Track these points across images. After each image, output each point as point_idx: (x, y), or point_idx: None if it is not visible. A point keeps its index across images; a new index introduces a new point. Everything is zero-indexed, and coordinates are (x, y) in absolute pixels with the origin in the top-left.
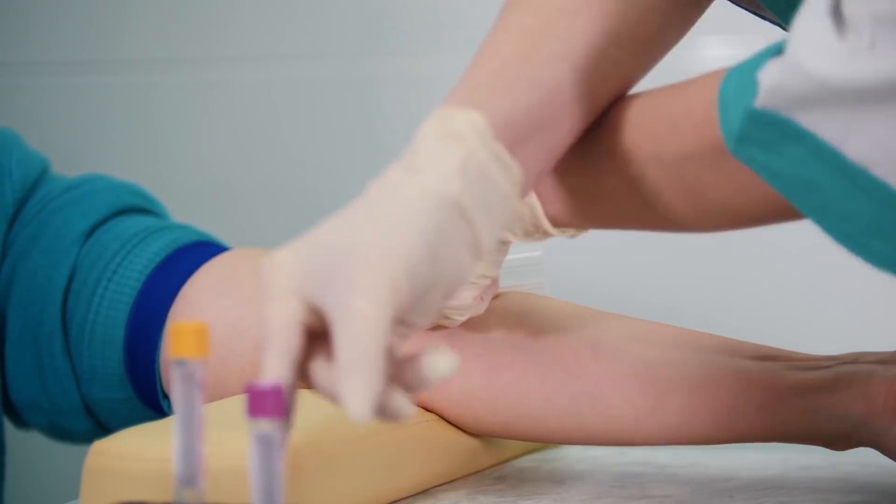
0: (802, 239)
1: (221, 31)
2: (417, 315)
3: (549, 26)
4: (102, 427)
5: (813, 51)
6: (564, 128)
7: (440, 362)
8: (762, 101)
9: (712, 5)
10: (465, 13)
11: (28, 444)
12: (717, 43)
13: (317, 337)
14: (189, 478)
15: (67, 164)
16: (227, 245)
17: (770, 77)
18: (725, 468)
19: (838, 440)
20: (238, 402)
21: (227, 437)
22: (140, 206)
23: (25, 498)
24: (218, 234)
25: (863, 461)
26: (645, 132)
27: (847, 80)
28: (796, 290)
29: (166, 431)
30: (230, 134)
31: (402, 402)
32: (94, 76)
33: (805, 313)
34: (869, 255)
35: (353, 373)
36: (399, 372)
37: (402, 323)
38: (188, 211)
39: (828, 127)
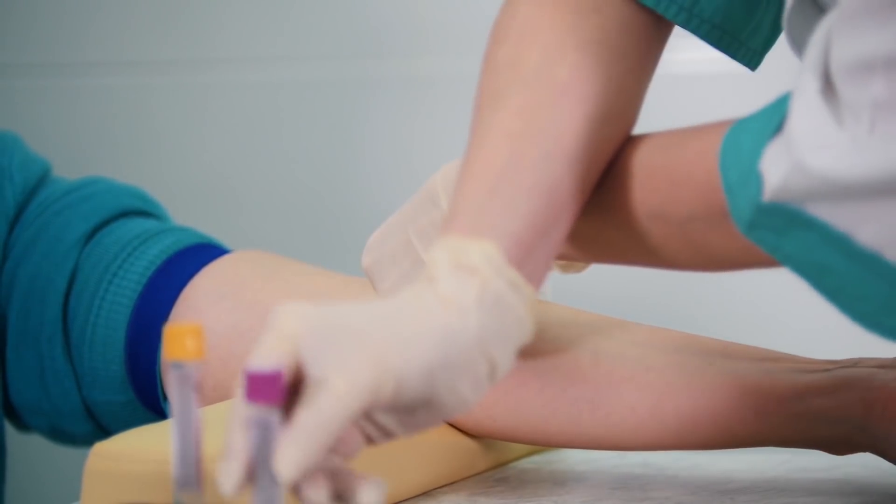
0: None
1: (217, 33)
2: (393, 423)
3: (533, 126)
4: (103, 429)
5: (814, 146)
6: (566, 221)
7: (371, 493)
8: (769, 197)
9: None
10: (456, 15)
11: (29, 447)
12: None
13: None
14: (187, 480)
15: (68, 166)
16: (228, 247)
17: (774, 177)
18: (726, 470)
19: (839, 444)
20: None
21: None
22: (141, 209)
23: (27, 500)
24: (216, 235)
25: (864, 463)
26: (648, 189)
27: (852, 177)
28: (797, 294)
29: (166, 433)
30: (227, 135)
31: (317, 493)
32: (94, 78)
33: (806, 317)
34: (884, 332)
35: (300, 436)
36: (334, 472)
37: (371, 422)
38: (188, 213)
39: (838, 216)
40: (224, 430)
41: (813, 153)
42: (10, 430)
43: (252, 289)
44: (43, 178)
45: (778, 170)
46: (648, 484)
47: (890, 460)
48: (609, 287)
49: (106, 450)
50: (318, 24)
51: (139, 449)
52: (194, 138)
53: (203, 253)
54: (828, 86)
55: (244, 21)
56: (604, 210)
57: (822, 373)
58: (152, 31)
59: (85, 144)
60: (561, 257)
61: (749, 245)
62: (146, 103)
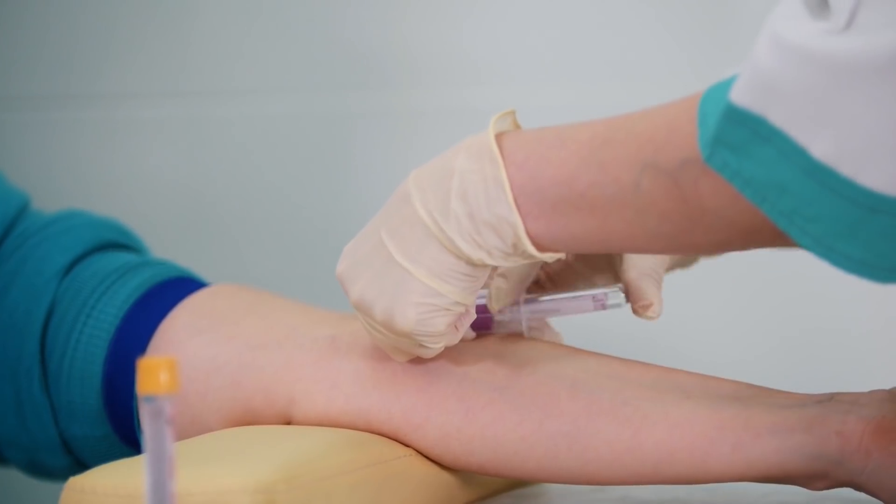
0: (783, 273)
1: (200, 65)
2: None
3: None
4: (81, 463)
5: (789, 26)
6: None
7: None
8: (737, 89)
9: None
10: (443, 48)
11: (5, 481)
12: None
13: None
14: None
15: (45, 199)
16: (206, 280)
17: (747, 62)
18: (705, 503)
19: (815, 479)
20: (216, 439)
21: (203, 473)
22: (119, 242)
23: None
24: (202, 267)
25: (843, 497)
26: (643, 140)
27: (821, 51)
28: (774, 329)
29: (141, 467)
30: (210, 168)
31: None
32: (72, 111)
33: (782, 353)
34: (838, 259)
35: None
36: None
37: None
38: (168, 245)
39: (795, 125)
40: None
41: (787, 30)
42: None
43: (229, 323)
44: (22, 211)
45: (747, 64)
46: None
47: (867, 493)
48: (586, 320)
49: (80, 484)
50: (306, 57)
51: (113, 483)
52: (174, 171)
53: (181, 286)
54: None
55: (225, 53)
56: (591, 168)
57: (798, 407)
58: (132, 63)
59: (63, 177)
60: (540, 243)
61: (738, 195)
62: (130, 135)
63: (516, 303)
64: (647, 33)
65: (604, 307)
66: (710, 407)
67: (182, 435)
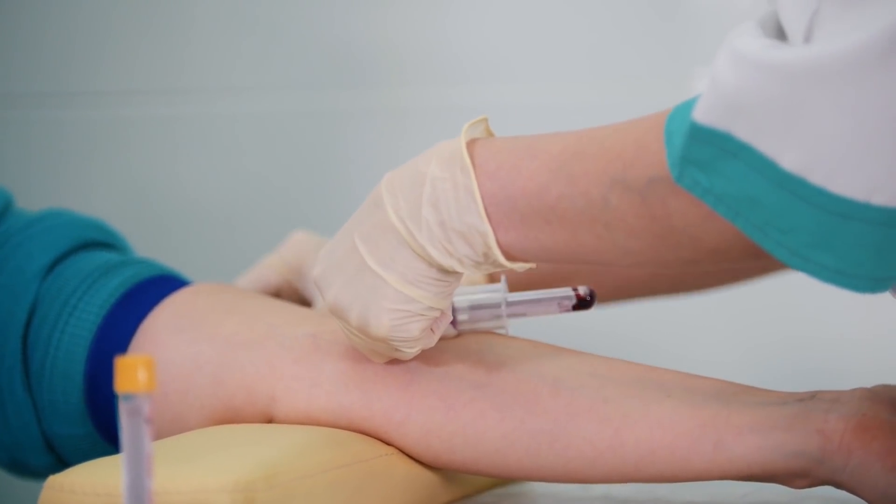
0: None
1: (191, 63)
2: None
3: None
4: (64, 462)
5: (747, 42)
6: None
7: None
8: (700, 108)
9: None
10: (432, 47)
11: None
12: None
13: None
14: None
15: (30, 198)
16: (191, 279)
17: (707, 80)
18: (688, 502)
19: (796, 478)
20: (195, 437)
21: (182, 472)
22: (102, 241)
23: None
24: (187, 265)
25: (826, 496)
26: (612, 155)
27: (780, 61)
28: (759, 323)
29: (119, 466)
30: (199, 165)
31: None
32: (50, 110)
33: (765, 348)
34: (812, 268)
35: None
36: None
37: None
38: (159, 241)
39: (763, 138)
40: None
41: (744, 45)
42: None
43: (211, 322)
44: (4, 210)
45: (708, 82)
46: None
47: (849, 491)
48: (568, 318)
49: (59, 483)
50: (297, 56)
51: (92, 482)
52: (163, 168)
53: (163, 285)
54: (768, 22)
55: (217, 52)
56: (562, 181)
57: (780, 405)
58: (123, 60)
59: (48, 175)
60: (510, 253)
61: (707, 214)
62: (119, 133)
63: (497, 304)
64: (631, 33)
65: (570, 310)
66: (692, 405)
67: (163, 433)
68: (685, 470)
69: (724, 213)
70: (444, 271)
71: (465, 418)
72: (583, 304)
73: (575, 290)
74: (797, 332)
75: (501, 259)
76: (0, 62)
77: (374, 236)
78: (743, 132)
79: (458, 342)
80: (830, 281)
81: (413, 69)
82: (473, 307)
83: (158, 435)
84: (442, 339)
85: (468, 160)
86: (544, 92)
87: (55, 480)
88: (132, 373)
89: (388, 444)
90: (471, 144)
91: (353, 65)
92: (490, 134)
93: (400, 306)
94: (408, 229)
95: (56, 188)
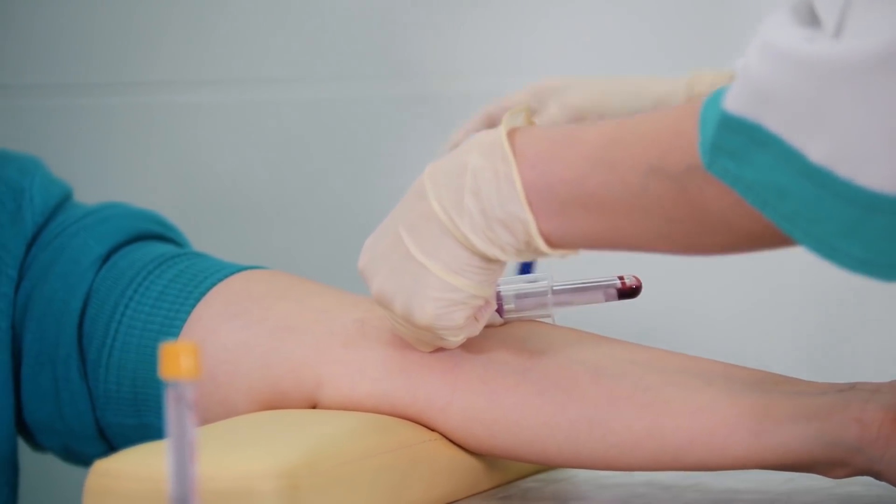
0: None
1: (237, 54)
2: None
3: None
4: (116, 451)
5: (779, 33)
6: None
7: None
8: (731, 97)
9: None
10: (474, 35)
11: (42, 465)
12: None
13: None
14: (182, 499)
15: (83, 188)
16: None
17: (739, 70)
18: (730, 489)
19: (835, 467)
20: (240, 423)
21: (226, 458)
22: (158, 233)
23: None
24: (231, 252)
25: (869, 482)
26: (649, 143)
27: (811, 55)
28: (799, 315)
29: (164, 452)
30: (246, 156)
31: None
32: (105, 98)
33: (806, 339)
34: (841, 258)
35: None
36: None
37: None
38: (203, 229)
39: (792, 130)
40: None
41: (774, 31)
42: (23, 449)
43: (262, 307)
44: (63, 201)
45: (739, 72)
46: (651, 503)
47: (886, 481)
48: (611, 308)
49: (105, 468)
50: (333, 44)
51: (138, 467)
52: (211, 158)
53: (216, 275)
54: (802, 7)
55: (261, 42)
56: (599, 169)
57: (819, 395)
58: (170, 50)
59: (93, 166)
60: (551, 240)
61: (740, 202)
62: (170, 122)
63: (544, 292)
64: (672, 25)
65: (615, 298)
66: (732, 394)
67: (212, 416)
68: (724, 458)
69: (752, 202)
70: (487, 260)
71: (507, 404)
72: (628, 292)
73: (620, 278)
74: (837, 324)
75: (543, 247)
76: (65, 53)
77: (419, 226)
78: (772, 123)
79: (501, 329)
80: (857, 270)
81: (457, 58)
82: (519, 296)
83: (207, 418)
84: (487, 327)
85: (509, 149)
86: None
87: (101, 465)
88: (176, 359)
89: (431, 429)
90: (511, 134)
91: (396, 54)
92: (531, 123)
93: (444, 294)
94: (451, 218)
95: (108, 178)
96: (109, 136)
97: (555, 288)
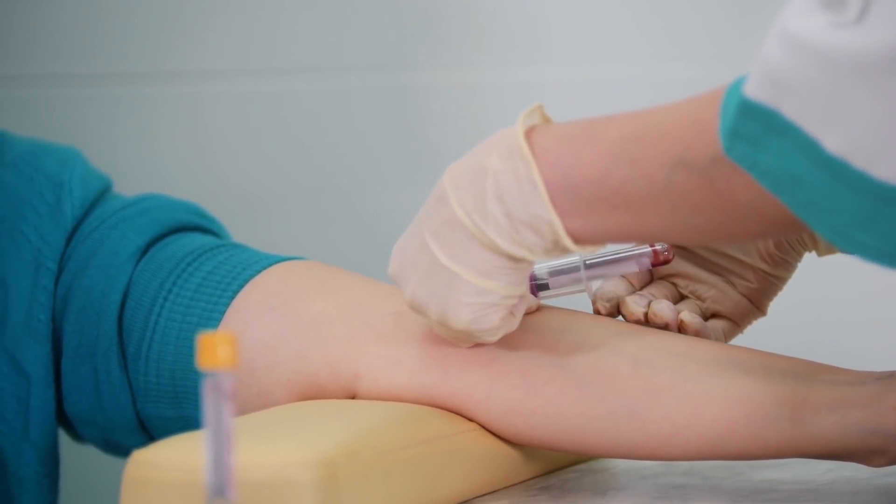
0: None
1: (262, 43)
2: None
3: None
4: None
5: (798, 20)
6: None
7: None
8: (751, 83)
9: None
10: (505, 23)
11: (82, 456)
12: None
13: None
14: (219, 488)
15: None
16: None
17: (759, 56)
18: (770, 479)
19: (874, 455)
20: (277, 413)
21: (264, 448)
22: (197, 225)
23: None
24: (267, 243)
25: None
26: (673, 136)
27: (827, 47)
28: (835, 304)
29: (202, 442)
30: (271, 146)
31: None
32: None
33: (844, 327)
34: (855, 248)
35: None
36: None
37: None
38: (237, 220)
39: (809, 119)
40: None
41: (794, 17)
42: (63, 440)
43: (300, 299)
44: (103, 193)
45: (758, 58)
46: (690, 493)
47: None
48: None
49: (144, 458)
50: (362, 34)
51: (176, 457)
52: (234, 149)
53: (255, 266)
54: None
55: (286, 32)
56: (624, 165)
57: (858, 384)
58: (192, 39)
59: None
60: (578, 239)
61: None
62: (194, 114)
63: (576, 266)
64: (695, 10)
65: (648, 267)
66: (770, 383)
67: (250, 407)
68: (762, 447)
69: (770, 188)
70: (516, 260)
71: (545, 395)
72: (660, 262)
73: (652, 246)
74: (876, 311)
75: (571, 245)
76: (95, 42)
77: (443, 232)
78: (790, 111)
79: (539, 321)
80: (872, 259)
81: (489, 46)
82: (553, 273)
83: (245, 408)
84: (525, 312)
85: (528, 151)
86: (624, 71)
87: (140, 455)
88: (214, 349)
89: (470, 419)
90: (528, 133)
91: (426, 42)
92: (546, 120)
93: (477, 299)
94: (475, 223)
95: (147, 168)
96: (151, 126)
97: (587, 262)
